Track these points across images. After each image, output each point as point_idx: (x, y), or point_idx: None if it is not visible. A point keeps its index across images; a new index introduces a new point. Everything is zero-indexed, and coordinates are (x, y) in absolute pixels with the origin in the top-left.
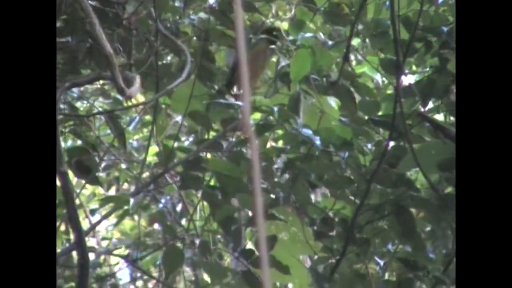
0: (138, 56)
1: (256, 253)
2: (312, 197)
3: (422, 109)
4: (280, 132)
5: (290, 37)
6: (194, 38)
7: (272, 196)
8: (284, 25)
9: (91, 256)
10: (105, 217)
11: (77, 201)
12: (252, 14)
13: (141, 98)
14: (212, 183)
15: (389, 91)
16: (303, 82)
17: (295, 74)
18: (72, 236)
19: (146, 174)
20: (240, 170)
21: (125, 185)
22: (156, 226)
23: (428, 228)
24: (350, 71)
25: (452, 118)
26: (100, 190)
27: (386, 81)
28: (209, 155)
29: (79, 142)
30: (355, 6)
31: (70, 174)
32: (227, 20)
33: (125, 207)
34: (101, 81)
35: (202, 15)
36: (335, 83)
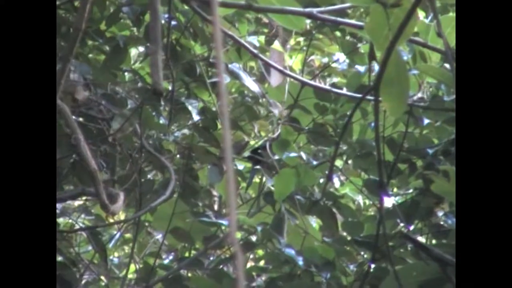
0: (121, 173)
1: None
2: None
3: (405, 230)
4: (260, 252)
5: (275, 156)
6: (178, 155)
7: None
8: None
9: None
10: None
11: None
12: (235, 132)
13: (122, 215)
14: None
15: (371, 212)
16: (286, 201)
17: (279, 193)
18: None
19: None
20: None
21: None
22: None
23: None
24: (332, 192)
25: (434, 241)
26: None
27: (367, 203)
28: (189, 274)
29: (59, 258)
30: (339, 126)
31: None
32: (211, 137)
33: None
34: (84, 197)
35: (186, 131)
36: (317, 203)
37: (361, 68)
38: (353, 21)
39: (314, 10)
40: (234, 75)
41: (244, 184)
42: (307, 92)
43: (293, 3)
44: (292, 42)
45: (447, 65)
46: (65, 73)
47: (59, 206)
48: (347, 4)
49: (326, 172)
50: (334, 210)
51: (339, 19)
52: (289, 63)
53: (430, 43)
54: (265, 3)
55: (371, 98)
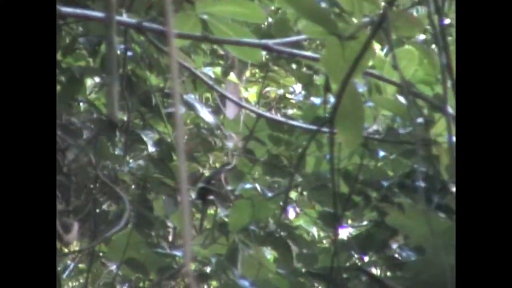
0: (76, 203)
1: None
2: None
3: (360, 262)
4: (215, 283)
5: (229, 187)
6: (133, 186)
7: None
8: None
9: None
10: None
11: None
12: (190, 163)
13: (76, 245)
14: None
15: (326, 244)
16: (241, 232)
17: (234, 225)
18: None
19: None
20: None
21: None
22: None
23: None
24: (287, 223)
25: (388, 273)
26: None
27: (322, 235)
28: None
29: None
30: (294, 158)
31: None
32: (166, 168)
33: None
34: None
35: (141, 162)
36: (272, 234)
37: (317, 100)
38: (309, 53)
39: (270, 41)
40: (189, 106)
41: (198, 216)
42: (263, 124)
43: (249, 34)
44: (248, 73)
45: (402, 98)
46: None
47: None
48: (303, 36)
49: (281, 203)
50: (289, 241)
51: (295, 51)
52: (244, 95)
53: (385, 75)
54: (221, 34)
55: (327, 130)
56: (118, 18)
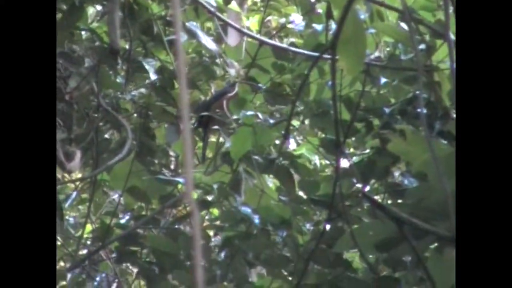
0: (78, 131)
1: None
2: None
3: (362, 189)
4: (216, 211)
5: (231, 116)
6: (135, 114)
7: (209, 274)
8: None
9: None
10: None
11: None
12: (192, 91)
13: (78, 174)
14: (148, 259)
15: (328, 173)
16: (243, 160)
17: (236, 152)
18: None
19: (82, 252)
20: (178, 246)
21: (61, 263)
22: None
23: None
24: (289, 151)
25: (390, 201)
26: None
27: (323, 163)
28: (146, 233)
29: None
30: (297, 86)
31: None
32: (168, 96)
33: (62, 283)
34: None
35: (143, 90)
36: (274, 161)
37: (319, 27)
38: None
39: None
40: (191, 34)
41: (200, 144)
42: (265, 52)
43: None
44: (249, 2)
45: (403, 24)
46: None
47: None
48: None
49: (283, 132)
50: (291, 170)
51: None
52: (246, 24)
53: (387, 2)
54: None
55: (328, 57)
56: None
